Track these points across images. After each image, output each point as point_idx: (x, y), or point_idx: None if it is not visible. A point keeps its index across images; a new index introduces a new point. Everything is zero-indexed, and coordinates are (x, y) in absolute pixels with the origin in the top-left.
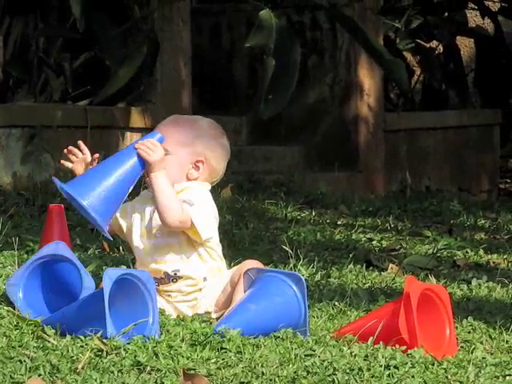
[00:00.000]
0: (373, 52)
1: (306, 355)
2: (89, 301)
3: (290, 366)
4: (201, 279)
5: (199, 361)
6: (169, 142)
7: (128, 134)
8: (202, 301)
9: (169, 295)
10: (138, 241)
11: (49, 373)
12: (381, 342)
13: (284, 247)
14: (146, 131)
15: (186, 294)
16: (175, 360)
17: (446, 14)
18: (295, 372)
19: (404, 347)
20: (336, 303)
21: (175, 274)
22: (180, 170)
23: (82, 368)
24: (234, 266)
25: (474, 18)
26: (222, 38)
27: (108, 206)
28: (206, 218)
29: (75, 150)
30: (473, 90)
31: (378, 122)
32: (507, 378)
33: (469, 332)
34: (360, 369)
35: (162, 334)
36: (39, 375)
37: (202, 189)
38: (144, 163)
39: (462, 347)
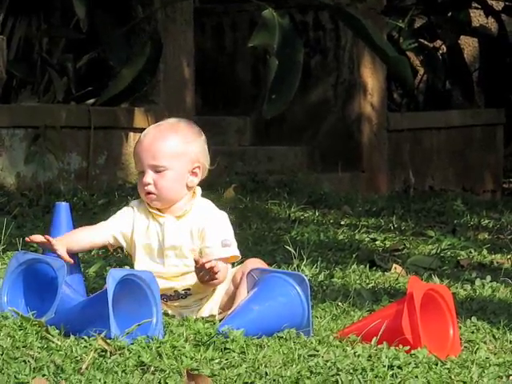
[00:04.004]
0: (377, 49)
1: (309, 355)
2: (93, 301)
3: (294, 366)
4: (210, 292)
5: (203, 361)
6: (162, 157)
7: (131, 134)
8: (206, 305)
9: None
10: (143, 258)
11: (53, 373)
12: (384, 343)
13: (287, 247)
14: None
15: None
16: (179, 360)
17: (450, 13)
18: (299, 372)
19: (407, 347)
20: (339, 303)
21: (186, 292)
22: (181, 182)
23: (86, 368)
24: (237, 266)
25: (477, 17)
26: (225, 38)
27: None
28: (234, 240)
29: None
30: (476, 90)
31: (381, 121)
32: (511, 377)
33: (472, 332)
34: (363, 369)
35: (165, 334)
36: (43, 375)
37: (212, 207)
38: None
39: (465, 347)
